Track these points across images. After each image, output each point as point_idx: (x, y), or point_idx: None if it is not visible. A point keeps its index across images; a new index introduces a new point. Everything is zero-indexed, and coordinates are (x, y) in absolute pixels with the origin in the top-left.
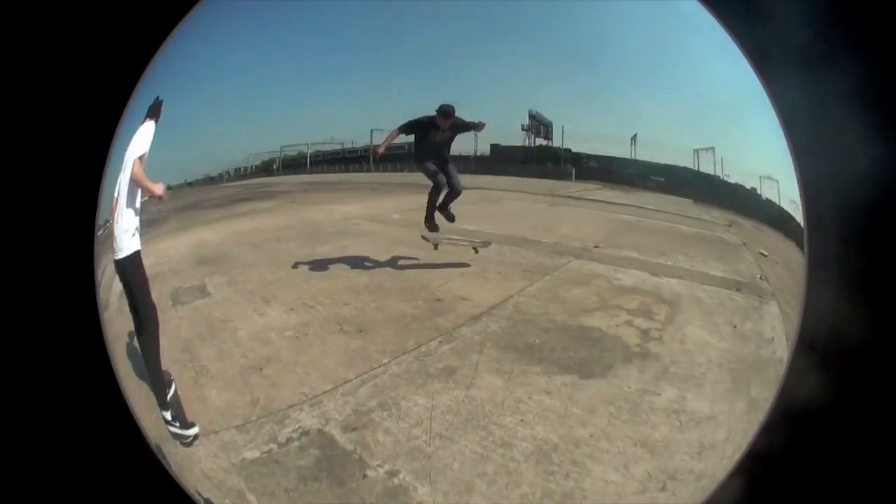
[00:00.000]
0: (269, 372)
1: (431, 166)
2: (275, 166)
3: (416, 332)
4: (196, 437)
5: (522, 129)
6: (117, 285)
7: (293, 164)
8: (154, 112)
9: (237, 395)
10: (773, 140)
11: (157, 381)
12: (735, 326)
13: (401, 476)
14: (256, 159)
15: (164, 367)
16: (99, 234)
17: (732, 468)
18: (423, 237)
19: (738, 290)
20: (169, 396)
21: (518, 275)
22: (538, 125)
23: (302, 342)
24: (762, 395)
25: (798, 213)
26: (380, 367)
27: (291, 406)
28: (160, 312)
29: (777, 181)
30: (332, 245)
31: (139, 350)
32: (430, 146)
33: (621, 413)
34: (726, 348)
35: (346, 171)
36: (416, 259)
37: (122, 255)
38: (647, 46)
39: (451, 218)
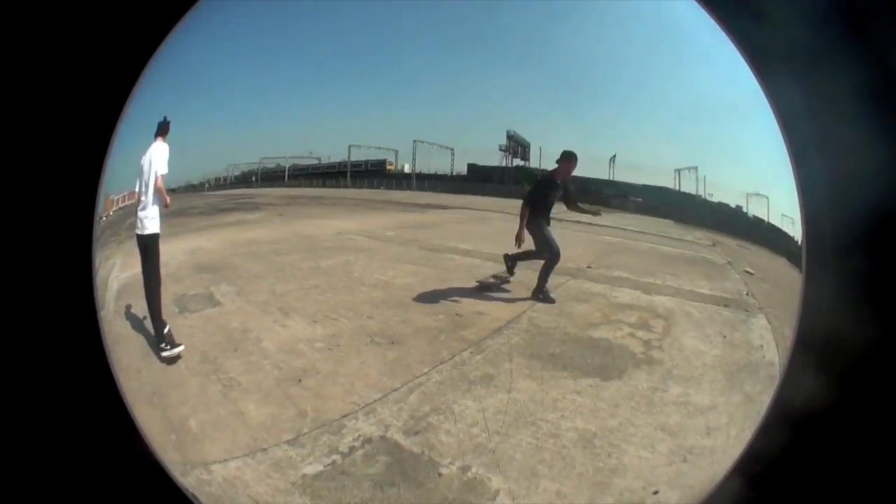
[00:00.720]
0: (309, 383)
1: (551, 234)
2: (254, 178)
3: (447, 344)
4: (180, 355)
5: (500, 150)
6: (114, 284)
7: (271, 176)
8: (164, 131)
9: (280, 408)
10: (771, 144)
11: (158, 323)
12: (724, 336)
13: (473, 470)
14: (236, 170)
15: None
16: (97, 229)
17: (744, 447)
18: (480, 283)
19: (725, 305)
20: (165, 332)
21: (524, 293)
22: (516, 145)
23: (337, 353)
24: (757, 391)
25: (791, 228)
26: (422, 375)
27: (345, 416)
28: (166, 318)
29: (767, 197)
30: (336, 259)
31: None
32: (548, 206)
33: (640, 406)
34: (719, 354)
35: (324, 185)
36: (423, 275)
37: (145, 232)
38: (637, 54)
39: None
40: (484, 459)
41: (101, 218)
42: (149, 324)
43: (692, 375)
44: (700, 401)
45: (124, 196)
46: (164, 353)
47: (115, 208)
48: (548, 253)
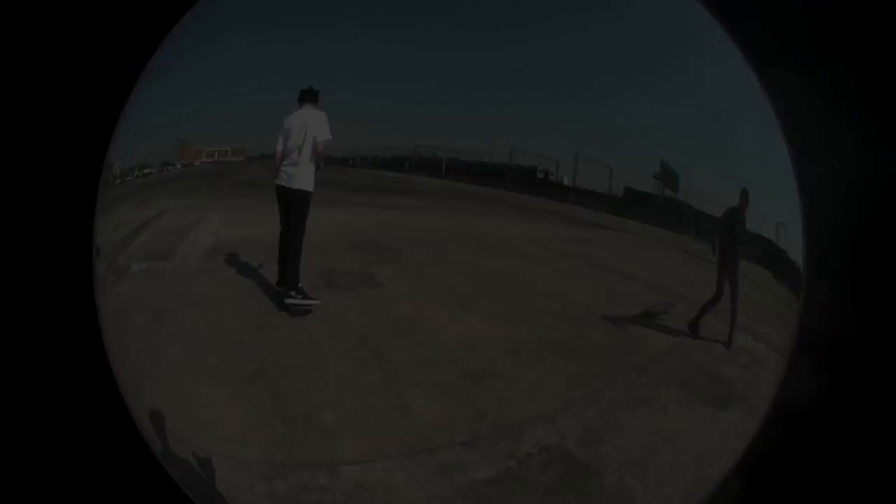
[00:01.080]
0: (489, 384)
1: (725, 274)
2: (407, 164)
3: (619, 365)
4: (311, 308)
5: (654, 178)
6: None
7: (424, 165)
8: (312, 98)
9: (455, 406)
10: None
11: (295, 278)
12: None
13: (626, 481)
14: (386, 152)
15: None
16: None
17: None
18: (647, 309)
19: (777, 353)
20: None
21: (681, 324)
22: (667, 175)
23: (518, 358)
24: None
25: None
26: (598, 391)
27: (525, 422)
28: (306, 288)
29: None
30: (510, 263)
31: None
32: (732, 241)
33: (727, 431)
34: (765, 392)
35: (483, 184)
36: (594, 293)
37: (294, 186)
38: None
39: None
40: (636, 471)
41: (177, 166)
42: (249, 279)
43: (752, 407)
44: (747, 427)
45: (227, 151)
46: (290, 300)
47: (203, 159)
48: (715, 290)
